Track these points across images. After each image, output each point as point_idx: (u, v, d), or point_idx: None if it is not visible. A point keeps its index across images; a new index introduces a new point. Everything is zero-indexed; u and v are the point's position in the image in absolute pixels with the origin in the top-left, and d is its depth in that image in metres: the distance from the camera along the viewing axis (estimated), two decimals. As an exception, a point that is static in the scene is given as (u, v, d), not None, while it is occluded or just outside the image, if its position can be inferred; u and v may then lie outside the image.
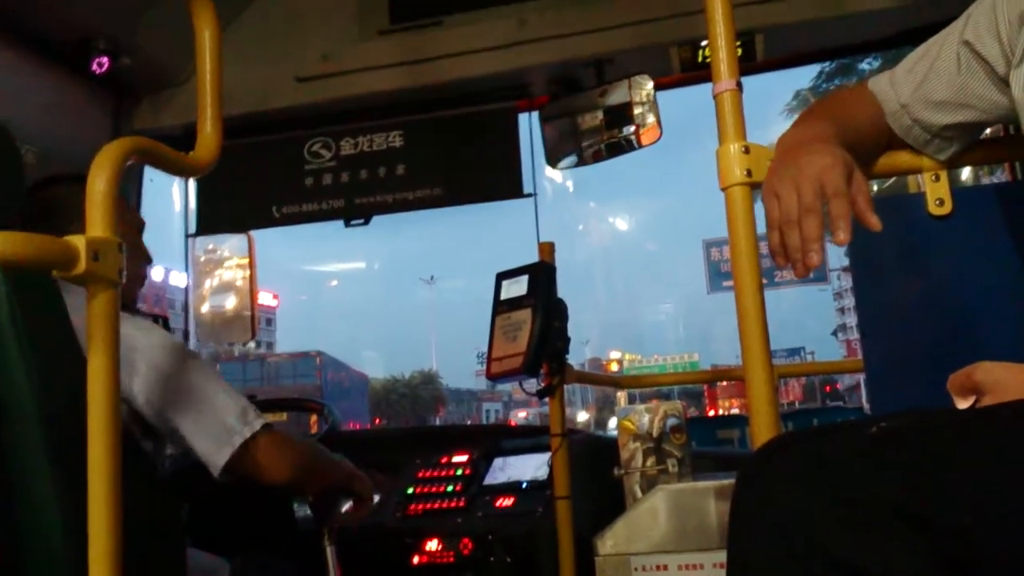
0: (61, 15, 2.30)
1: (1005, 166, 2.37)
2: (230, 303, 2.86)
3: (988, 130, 1.62)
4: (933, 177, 1.27)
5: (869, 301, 1.32)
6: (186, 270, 2.91)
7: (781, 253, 0.98)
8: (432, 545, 2.03)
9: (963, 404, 0.87)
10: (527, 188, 2.57)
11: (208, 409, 1.41)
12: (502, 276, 1.83)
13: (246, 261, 2.88)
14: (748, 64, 2.35)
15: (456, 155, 2.66)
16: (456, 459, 2.28)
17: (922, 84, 1.16)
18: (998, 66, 1.07)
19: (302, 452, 1.54)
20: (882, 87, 1.20)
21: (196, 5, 1.27)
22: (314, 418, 3.18)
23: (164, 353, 1.43)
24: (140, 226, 1.74)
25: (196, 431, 1.40)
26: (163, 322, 2.64)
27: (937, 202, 1.28)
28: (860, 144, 1.14)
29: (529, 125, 2.65)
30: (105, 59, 2.36)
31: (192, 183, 2.81)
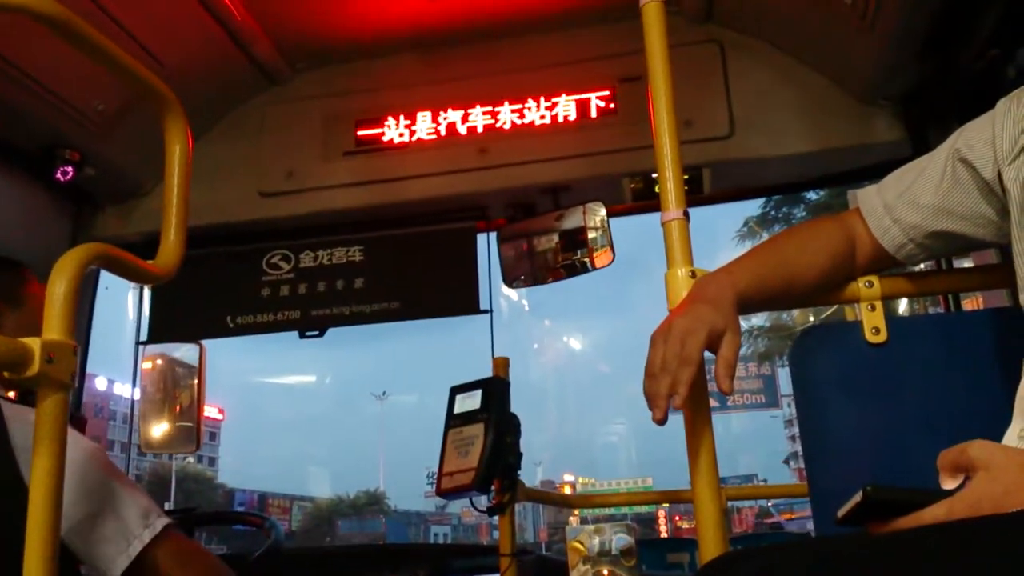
0: (29, 123, 2.33)
1: (939, 299, 2.49)
2: (176, 414, 2.80)
3: (923, 265, 1.71)
4: (869, 307, 1.34)
5: (811, 425, 1.35)
6: (133, 378, 2.85)
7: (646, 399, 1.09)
8: None
9: (951, 483, 0.85)
10: (483, 305, 2.62)
11: (114, 517, 1.36)
12: (456, 390, 1.83)
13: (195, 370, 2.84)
14: (695, 196, 2.47)
15: (414, 271, 2.70)
16: (402, 580, 2.22)
17: (909, 188, 1.24)
18: (984, 170, 1.14)
19: (207, 565, 1.47)
20: (867, 193, 1.29)
21: (169, 120, 1.31)
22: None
23: (89, 466, 1.38)
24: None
25: (99, 542, 1.34)
26: (82, 424, 2.57)
27: (873, 331, 1.34)
28: (793, 283, 1.26)
29: (487, 244, 2.72)
30: (70, 168, 2.39)
31: (147, 291, 2.80)
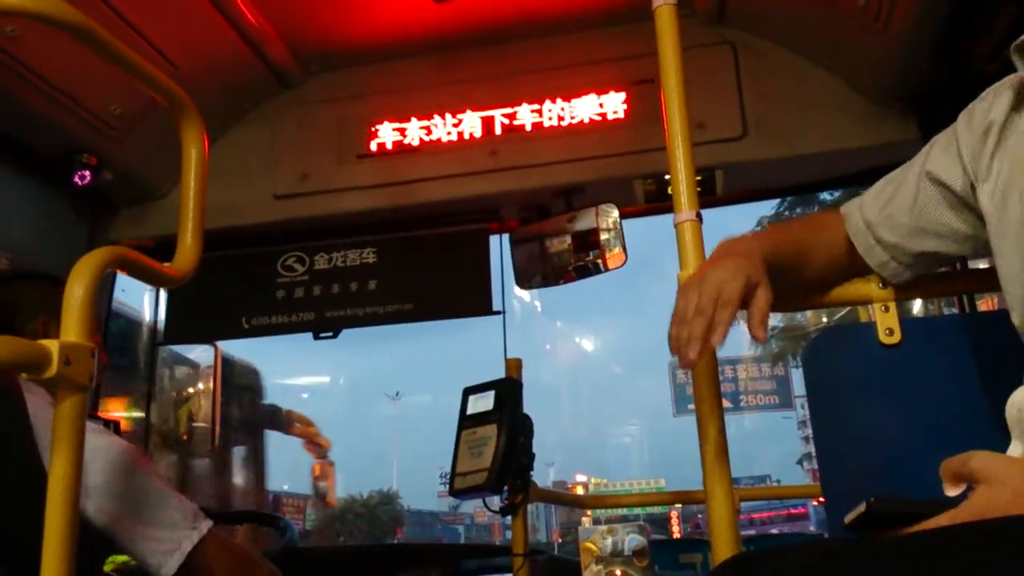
0: (47, 128, 2.36)
1: (954, 299, 2.48)
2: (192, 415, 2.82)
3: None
4: (883, 308, 1.33)
5: (825, 426, 1.34)
6: (150, 379, 2.88)
7: (673, 345, 1.07)
8: None
9: (953, 491, 0.85)
10: (496, 306, 2.62)
11: (157, 515, 1.38)
12: (469, 391, 1.83)
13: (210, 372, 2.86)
14: (708, 198, 2.47)
15: (428, 272, 2.71)
16: (414, 580, 2.23)
17: (886, 206, 1.24)
18: (955, 185, 1.14)
19: (247, 562, 1.49)
20: (851, 209, 1.29)
21: (185, 123, 1.32)
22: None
23: (126, 462, 1.40)
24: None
25: (145, 538, 1.36)
26: (115, 427, 2.59)
27: (887, 331, 1.33)
28: (804, 265, 1.26)
29: (500, 246, 2.74)
30: (87, 173, 2.41)
31: (163, 293, 2.82)
